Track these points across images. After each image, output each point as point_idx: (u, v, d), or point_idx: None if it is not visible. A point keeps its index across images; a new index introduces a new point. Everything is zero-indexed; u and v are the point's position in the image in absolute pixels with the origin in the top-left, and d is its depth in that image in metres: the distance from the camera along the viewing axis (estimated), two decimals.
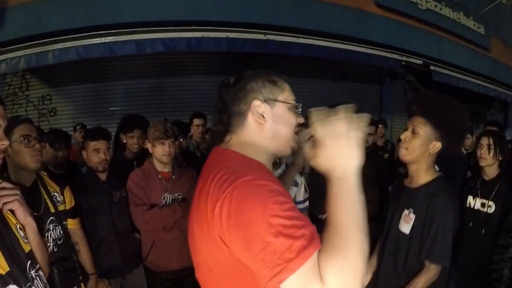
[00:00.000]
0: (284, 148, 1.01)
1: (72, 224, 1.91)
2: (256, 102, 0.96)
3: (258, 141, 0.98)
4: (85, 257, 2.01)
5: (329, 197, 0.82)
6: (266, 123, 0.97)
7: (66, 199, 1.87)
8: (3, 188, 1.08)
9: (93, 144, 2.19)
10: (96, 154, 2.19)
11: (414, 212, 1.61)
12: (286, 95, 1.01)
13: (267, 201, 0.77)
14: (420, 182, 1.65)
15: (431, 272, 1.57)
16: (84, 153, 2.26)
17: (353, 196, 0.80)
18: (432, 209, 1.55)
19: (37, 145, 1.61)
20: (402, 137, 1.62)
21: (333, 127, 0.86)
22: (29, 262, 1.01)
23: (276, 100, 0.99)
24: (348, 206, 0.79)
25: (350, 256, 0.74)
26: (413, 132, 1.58)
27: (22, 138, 1.55)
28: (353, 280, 0.73)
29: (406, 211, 1.64)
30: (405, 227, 1.63)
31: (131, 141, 2.92)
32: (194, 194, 1.00)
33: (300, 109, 1.04)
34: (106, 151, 2.21)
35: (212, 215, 0.83)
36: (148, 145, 2.25)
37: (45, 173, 1.85)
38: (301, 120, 1.04)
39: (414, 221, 1.60)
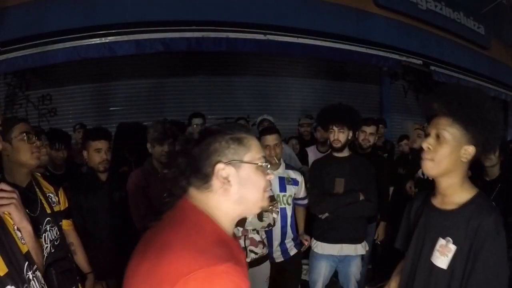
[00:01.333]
0: (251, 210, 0.96)
1: (66, 225, 1.91)
2: (220, 166, 0.89)
3: (224, 205, 0.91)
4: (81, 257, 2.02)
5: None
6: (231, 187, 0.90)
7: (60, 200, 1.87)
8: (1, 190, 1.08)
9: (94, 144, 2.20)
10: (98, 154, 2.19)
11: (454, 242, 1.26)
12: (253, 153, 0.93)
13: None
14: (456, 202, 1.30)
15: None
16: (85, 153, 2.26)
17: None
18: (479, 235, 1.21)
19: (38, 142, 1.61)
20: (424, 145, 1.27)
21: None
22: (26, 263, 1.01)
23: (242, 161, 0.91)
24: None
25: None
26: (438, 137, 1.25)
27: (23, 135, 1.55)
28: None
29: (442, 241, 1.29)
30: (442, 260, 1.28)
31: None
32: (145, 240, 0.94)
33: (268, 167, 0.96)
34: (107, 151, 2.21)
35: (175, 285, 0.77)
36: (148, 146, 2.26)
37: (39, 174, 1.84)
38: (271, 177, 0.98)
39: (455, 253, 1.25)
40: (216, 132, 0.93)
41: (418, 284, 1.35)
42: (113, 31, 4.10)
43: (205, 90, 5.58)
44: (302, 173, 2.74)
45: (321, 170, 2.59)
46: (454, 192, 1.30)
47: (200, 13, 4.39)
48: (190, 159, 0.91)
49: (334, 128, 2.50)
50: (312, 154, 3.62)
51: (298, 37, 4.74)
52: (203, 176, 0.90)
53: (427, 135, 1.30)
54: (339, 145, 2.51)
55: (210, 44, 4.28)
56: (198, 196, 0.92)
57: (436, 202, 1.36)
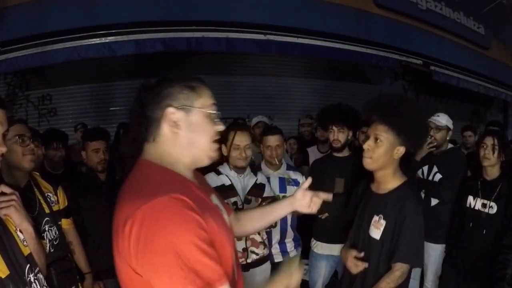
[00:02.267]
0: (201, 157, 0.98)
1: (66, 224, 1.91)
2: (170, 109, 0.92)
3: (174, 150, 0.94)
4: (80, 256, 2.02)
5: None
6: (180, 131, 0.93)
7: (59, 199, 1.86)
8: (1, 193, 1.07)
9: (92, 145, 2.22)
10: (96, 154, 2.21)
11: (384, 218, 1.62)
12: (203, 101, 0.96)
13: (179, 229, 0.78)
14: (388, 188, 1.65)
15: (394, 272, 1.55)
16: (83, 153, 2.28)
17: None
18: (402, 213, 1.56)
19: (31, 145, 1.60)
20: (365, 146, 1.60)
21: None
22: (28, 265, 1.01)
23: (192, 107, 0.94)
24: None
25: None
26: (376, 140, 1.56)
27: (17, 137, 1.54)
28: None
29: (376, 217, 1.65)
30: (376, 232, 1.63)
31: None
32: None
33: (218, 117, 1.00)
34: (105, 151, 2.23)
35: (122, 234, 0.82)
36: None
37: (37, 174, 1.83)
38: (220, 127, 1.00)
39: (385, 226, 1.61)
40: (170, 79, 0.96)
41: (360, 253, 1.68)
42: (113, 31, 4.10)
43: None
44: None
45: (321, 170, 2.59)
46: (387, 180, 1.65)
47: (200, 13, 4.38)
48: (143, 107, 0.94)
49: (334, 128, 2.50)
50: (313, 154, 3.62)
51: (298, 37, 4.74)
52: (154, 123, 0.93)
53: (367, 137, 1.61)
54: (338, 145, 2.50)
55: (210, 44, 4.28)
56: (150, 150, 0.95)
57: (374, 187, 1.73)
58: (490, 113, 8.79)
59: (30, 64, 4.10)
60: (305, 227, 2.78)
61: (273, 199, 2.26)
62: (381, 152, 1.56)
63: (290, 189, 2.55)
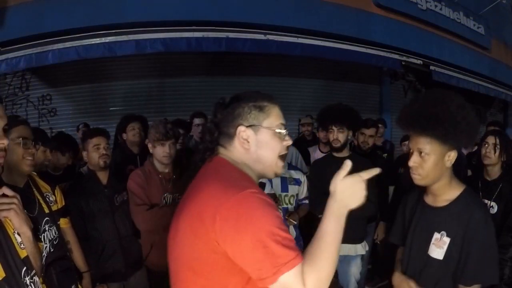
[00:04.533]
0: (267, 172, 1.10)
1: (63, 223, 1.91)
2: (241, 128, 1.04)
3: (245, 161, 1.07)
4: (77, 255, 2.02)
5: (325, 218, 0.98)
6: (250, 148, 1.05)
7: (57, 199, 1.86)
8: (3, 195, 1.07)
9: (92, 141, 2.20)
10: (97, 150, 2.20)
11: (448, 235, 1.40)
12: (271, 120, 1.06)
13: (269, 214, 0.91)
14: (447, 199, 1.44)
15: None
16: (84, 153, 2.26)
17: (341, 226, 0.96)
18: (471, 226, 1.36)
19: (33, 150, 1.59)
20: (410, 164, 1.40)
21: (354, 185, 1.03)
22: (24, 268, 1.01)
23: (260, 126, 1.05)
24: (337, 233, 0.95)
25: (325, 268, 0.91)
26: (421, 153, 1.37)
27: (20, 139, 1.53)
28: (326, 284, 0.92)
29: (437, 235, 1.43)
30: (438, 252, 1.42)
31: (132, 132, 3.06)
32: (185, 194, 1.08)
33: (286, 134, 1.09)
34: (106, 147, 2.22)
35: (214, 219, 0.91)
36: (149, 146, 2.25)
37: (35, 173, 1.82)
38: (289, 143, 1.10)
39: (449, 244, 1.40)
40: (241, 99, 1.08)
41: (418, 277, 1.48)
42: (113, 31, 4.10)
43: (205, 90, 5.57)
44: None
45: (321, 170, 2.59)
46: (444, 192, 1.44)
47: (200, 13, 4.39)
48: (218, 121, 1.08)
49: (334, 128, 2.50)
50: (314, 154, 3.62)
51: (298, 37, 4.74)
52: (227, 136, 1.07)
53: (410, 152, 1.42)
54: (338, 145, 2.50)
55: (210, 44, 4.28)
56: (225, 153, 1.08)
57: (429, 200, 1.50)
58: (490, 113, 8.80)
59: (30, 64, 4.10)
60: (305, 227, 2.78)
61: (274, 197, 2.26)
62: (430, 165, 1.37)
63: (291, 188, 2.55)
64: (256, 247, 0.88)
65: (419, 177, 1.41)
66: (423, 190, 1.53)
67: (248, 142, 1.05)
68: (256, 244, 0.88)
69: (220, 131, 1.07)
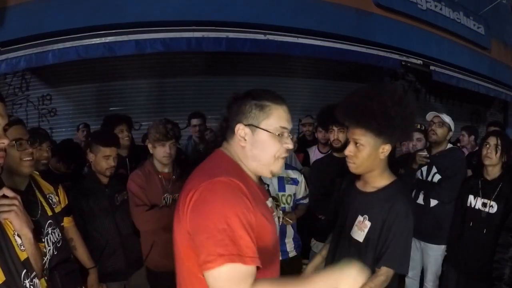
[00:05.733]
0: (263, 171, 1.09)
1: (67, 222, 1.90)
2: (240, 126, 1.06)
3: (242, 156, 1.09)
4: (81, 252, 2.01)
5: (317, 279, 0.97)
6: (245, 145, 1.06)
7: (60, 199, 1.85)
8: (3, 196, 1.06)
9: (104, 150, 2.19)
10: (106, 161, 2.19)
11: (370, 219, 1.48)
12: (271, 121, 1.05)
13: (229, 203, 0.92)
14: (376, 186, 1.52)
15: (379, 276, 1.42)
16: (91, 155, 2.23)
17: None
18: (391, 215, 1.43)
19: (29, 149, 1.54)
20: (346, 152, 1.48)
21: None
22: (24, 271, 1.00)
23: (257, 127, 1.04)
24: None
25: None
26: (356, 145, 1.44)
27: (13, 142, 1.46)
28: None
29: (360, 218, 1.51)
30: (359, 234, 1.50)
31: (121, 135, 2.92)
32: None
33: (287, 137, 1.08)
34: (115, 158, 2.21)
35: (184, 203, 0.96)
36: (149, 146, 2.25)
37: (37, 173, 1.79)
38: (289, 146, 1.09)
39: (370, 228, 1.47)
40: (249, 96, 1.08)
41: (339, 255, 1.56)
42: (113, 31, 4.10)
43: (205, 90, 5.57)
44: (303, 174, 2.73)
45: (321, 170, 2.59)
46: (375, 179, 1.52)
47: (200, 13, 4.38)
48: (227, 115, 1.11)
49: (334, 128, 2.51)
50: (313, 155, 3.62)
51: (298, 37, 4.74)
52: (231, 130, 1.09)
53: (347, 142, 1.50)
54: (339, 145, 2.51)
55: (210, 44, 4.27)
56: (228, 147, 1.11)
57: (359, 185, 1.60)
58: (490, 113, 8.79)
59: (30, 64, 4.10)
60: (305, 227, 2.78)
61: (275, 199, 2.26)
62: (364, 156, 1.43)
63: (289, 188, 2.55)
64: (205, 230, 0.89)
65: (354, 165, 1.48)
66: (356, 175, 1.60)
67: (245, 140, 1.06)
68: (205, 228, 0.89)
69: (228, 125, 1.11)
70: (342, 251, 1.56)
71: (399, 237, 1.43)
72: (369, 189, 1.54)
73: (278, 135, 1.05)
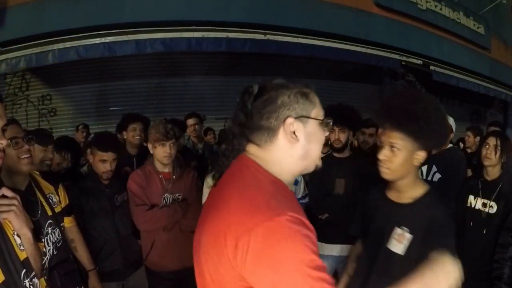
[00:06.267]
0: (310, 167, 0.96)
1: (68, 222, 1.90)
2: (290, 120, 0.87)
3: (286, 160, 0.91)
4: (82, 254, 2.00)
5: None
6: (298, 142, 0.89)
7: (61, 199, 1.84)
8: (2, 196, 1.06)
9: (100, 154, 2.18)
10: (102, 164, 2.18)
11: (410, 232, 1.43)
12: (317, 110, 0.93)
13: (301, 249, 0.76)
14: (411, 196, 1.47)
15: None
16: (90, 156, 2.25)
17: None
18: (432, 226, 1.38)
19: (26, 146, 1.53)
20: (381, 157, 1.42)
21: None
22: (24, 270, 1.00)
23: (309, 117, 0.91)
24: None
25: None
26: (392, 149, 1.39)
27: (9, 141, 1.42)
28: None
29: (399, 230, 1.46)
30: (398, 247, 1.45)
31: (133, 133, 2.97)
32: (209, 199, 0.96)
33: (330, 123, 0.97)
34: (112, 162, 2.21)
35: (235, 245, 0.78)
36: (149, 146, 2.25)
37: (37, 173, 1.79)
38: (327, 133, 0.98)
39: (411, 241, 1.42)
40: (282, 85, 0.91)
41: (378, 269, 1.49)
42: (113, 31, 4.10)
43: (205, 90, 5.57)
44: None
45: (322, 171, 2.58)
46: (409, 189, 1.47)
47: (200, 13, 4.39)
48: (250, 114, 0.90)
49: (335, 128, 2.50)
50: None
51: (298, 37, 4.74)
52: (266, 131, 0.89)
53: (381, 145, 1.43)
54: (340, 145, 2.51)
55: (210, 44, 4.28)
56: (258, 153, 0.91)
57: (392, 196, 1.52)
58: (490, 113, 8.80)
59: (30, 64, 4.10)
60: None
61: None
62: (399, 161, 1.39)
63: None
64: (292, 283, 0.75)
65: (387, 171, 1.42)
66: (385, 185, 1.55)
67: (297, 136, 0.88)
68: (291, 280, 0.75)
69: (252, 125, 0.90)
70: (380, 264, 1.50)
71: (443, 245, 1.32)
72: (405, 200, 1.48)
73: (327, 123, 0.95)
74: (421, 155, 1.39)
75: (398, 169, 1.41)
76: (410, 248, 1.41)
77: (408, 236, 1.42)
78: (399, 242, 1.44)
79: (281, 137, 0.89)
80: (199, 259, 0.90)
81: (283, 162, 0.91)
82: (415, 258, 1.37)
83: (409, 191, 1.47)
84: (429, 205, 1.42)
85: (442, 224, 1.37)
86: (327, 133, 0.97)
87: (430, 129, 1.33)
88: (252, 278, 0.78)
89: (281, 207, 0.80)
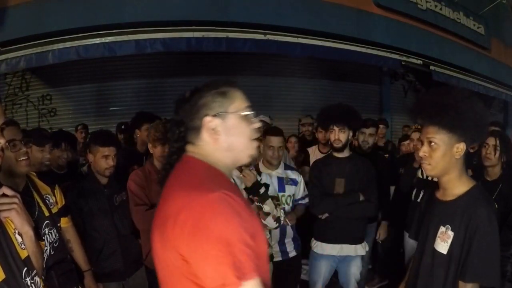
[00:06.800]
0: (241, 157, 1.05)
1: (64, 222, 1.90)
2: (208, 118, 0.99)
3: (215, 153, 1.02)
4: (78, 254, 2.01)
5: None
6: (219, 136, 1.00)
7: (57, 199, 1.84)
8: (3, 195, 1.06)
9: (102, 150, 2.17)
10: (105, 160, 2.17)
11: (452, 229, 1.41)
12: (237, 104, 1.02)
13: (232, 223, 0.86)
14: (456, 193, 1.45)
15: None
16: (90, 156, 2.23)
17: None
18: (473, 223, 1.36)
19: (23, 149, 1.55)
20: (421, 154, 1.45)
21: None
22: (25, 269, 1.00)
23: (227, 112, 1.00)
24: None
25: None
26: (430, 144, 1.41)
27: (6, 144, 1.45)
28: None
29: (442, 228, 1.44)
30: (442, 246, 1.43)
31: (146, 132, 3.00)
32: (160, 199, 1.04)
33: (253, 115, 1.05)
34: (114, 157, 2.20)
35: (175, 221, 0.88)
36: (149, 146, 2.25)
37: (34, 174, 1.80)
38: (257, 125, 1.06)
39: (453, 239, 1.40)
40: (203, 89, 1.03)
41: (423, 269, 1.50)
42: (113, 31, 4.10)
43: None
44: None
45: (322, 170, 2.59)
46: (454, 185, 1.46)
47: (200, 13, 4.38)
48: (182, 116, 1.03)
49: (335, 128, 2.50)
50: (313, 154, 3.62)
51: (298, 37, 4.74)
52: (194, 130, 1.02)
53: (421, 142, 1.47)
54: (340, 145, 2.51)
55: (210, 44, 4.27)
56: (194, 150, 1.03)
57: (439, 194, 1.53)
58: (490, 113, 8.78)
59: (30, 64, 4.10)
60: (305, 227, 2.78)
61: (275, 199, 2.26)
62: (439, 155, 1.40)
63: (288, 188, 2.56)
64: (216, 253, 0.83)
65: (429, 167, 1.43)
66: (436, 185, 1.56)
67: (218, 131, 1.00)
68: (215, 251, 0.83)
69: (186, 127, 1.03)
70: (426, 264, 1.49)
71: (483, 246, 1.35)
72: (449, 197, 1.47)
73: (247, 115, 1.03)
74: (461, 147, 1.39)
75: (439, 164, 1.41)
76: (452, 247, 1.40)
77: (450, 234, 1.42)
78: (443, 240, 1.44)
79: (205, 134, 1.01)
80: (156, 255, 0.98)
81: (213, 155, 1.02)
82: (458, 258, 1.38)
83: (454, 188, 1.46)
84: (472, 201, 1.40)
85: (481, 222, 1.34)
86: (255, 125, 1.05)
87: (463, 118, 1.34)
88: (188, 251, 0.86)
89: (215, 186, 0.90)
